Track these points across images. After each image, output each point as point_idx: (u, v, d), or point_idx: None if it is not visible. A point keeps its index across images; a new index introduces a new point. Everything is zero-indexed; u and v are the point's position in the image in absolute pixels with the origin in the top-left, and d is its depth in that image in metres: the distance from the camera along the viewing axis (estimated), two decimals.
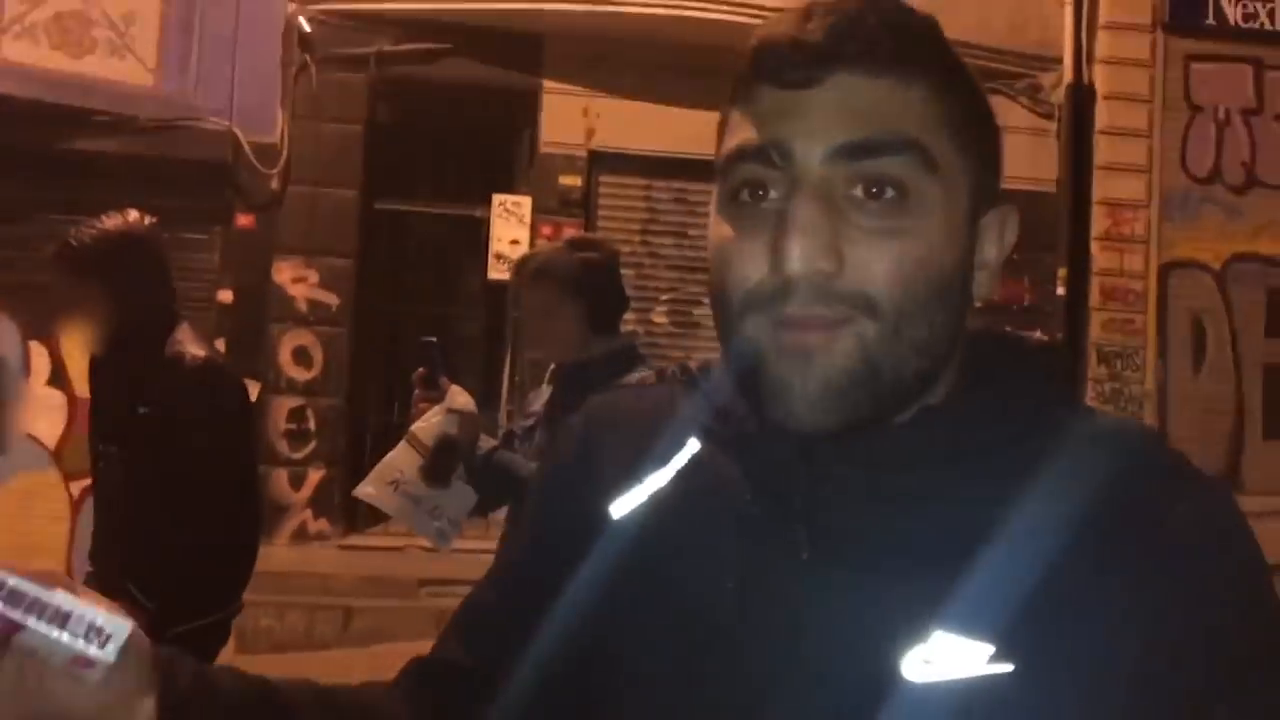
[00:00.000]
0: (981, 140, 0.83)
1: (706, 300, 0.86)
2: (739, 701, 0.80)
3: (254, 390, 7.73)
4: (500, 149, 8.10)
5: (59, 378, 7.35)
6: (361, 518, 7.59)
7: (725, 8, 7.30)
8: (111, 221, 2.72)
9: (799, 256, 0.74)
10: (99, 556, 2.77)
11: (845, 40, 0.76)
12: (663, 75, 7.87)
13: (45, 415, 7.38)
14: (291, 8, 7.65)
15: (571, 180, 7.88)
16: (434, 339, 2.77)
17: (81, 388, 7.26)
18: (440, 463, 2.71)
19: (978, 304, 0.85)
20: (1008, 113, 7.65)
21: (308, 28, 7.63)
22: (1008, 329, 0.90)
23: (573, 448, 0.98)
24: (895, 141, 0.76)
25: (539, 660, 0.89)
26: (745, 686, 0.80)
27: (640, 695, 0.85)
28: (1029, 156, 7.55)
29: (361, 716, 0.90)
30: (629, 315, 3.24)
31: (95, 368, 2.84)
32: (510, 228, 7.71)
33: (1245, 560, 0.78)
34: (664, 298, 8.20)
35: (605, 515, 0.89)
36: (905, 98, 0.78)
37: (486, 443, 2.80)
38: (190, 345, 2.67)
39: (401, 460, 2.74)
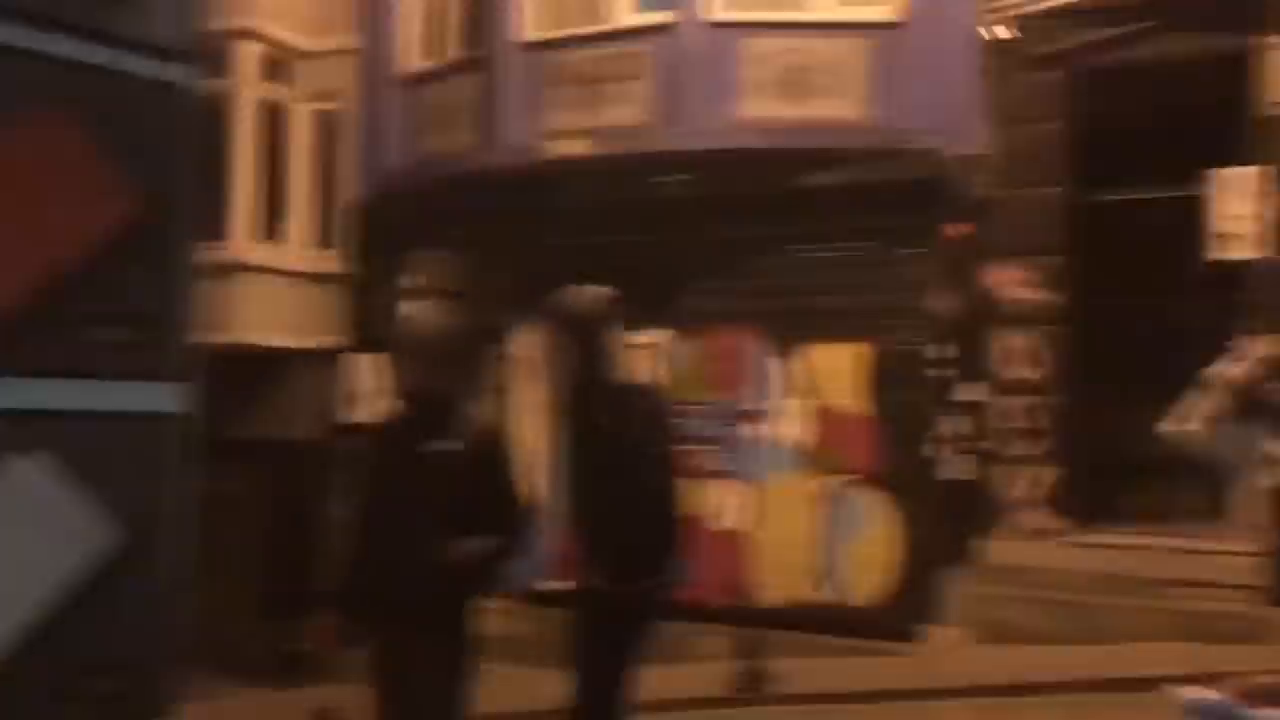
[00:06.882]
0: None
1: None
2: None
3: (980, 391, 8.06)
4: (1213, 121, 7.47)
5: (810, 389, 8.33)
6: (1099, 514, 7.51)
7: None
8: (584, 295, 3.68)
9: None
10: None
11: None
12: None
13: (794, 422, 8.39)
14: (989, 19, 7.88)
15: None
16: None
17: (830, 399, 8.17)
18: (1241, 402, 2.79)
19: None
20: None
21: (1004, 35, 7.80)
22: None
23: None
24: None
25: None
26: None
27: None
28: None
29: None
30: None
31: (574, 397, 3.71)
32: (1233, 202, 7.17)
33: None
34: None
35: None
36: None
37: None
38: (621, 375, 3.61)
39: (1206, 402, 2.85)
